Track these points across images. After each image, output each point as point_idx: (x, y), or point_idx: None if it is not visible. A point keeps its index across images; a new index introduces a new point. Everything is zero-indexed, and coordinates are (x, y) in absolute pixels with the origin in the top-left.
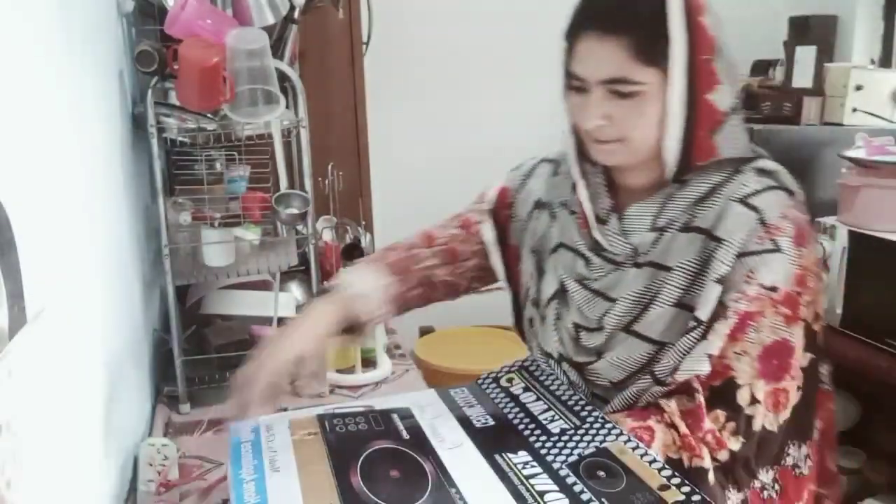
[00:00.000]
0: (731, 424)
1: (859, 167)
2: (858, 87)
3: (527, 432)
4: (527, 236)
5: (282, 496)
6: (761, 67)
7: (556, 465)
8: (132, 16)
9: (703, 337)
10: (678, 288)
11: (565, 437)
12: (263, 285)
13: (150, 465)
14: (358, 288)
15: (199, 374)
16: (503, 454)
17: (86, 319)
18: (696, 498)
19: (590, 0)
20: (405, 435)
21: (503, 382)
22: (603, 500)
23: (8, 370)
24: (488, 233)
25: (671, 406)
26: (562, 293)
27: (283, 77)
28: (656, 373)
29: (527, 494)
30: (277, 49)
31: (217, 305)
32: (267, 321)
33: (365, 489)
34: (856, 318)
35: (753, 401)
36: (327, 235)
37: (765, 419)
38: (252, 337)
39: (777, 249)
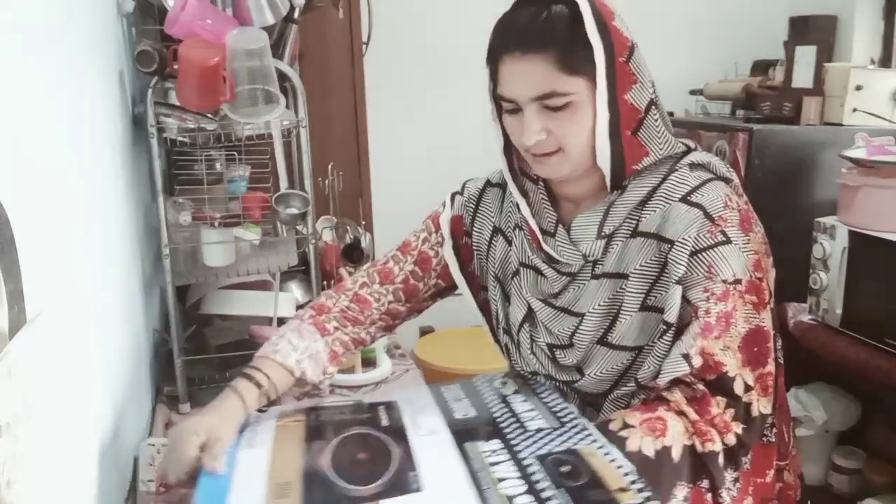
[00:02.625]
0: (731, 411)
1: (859, 167)
2: (858, 87)
3: (504, 426)
4: (489, 264)
5: (248, 468)
6: (761, 67)
7: (522, 455)
8: (132, 16)
9: (677, 338)
10: (640, 293)
11: (540, 434)
12: (263, 285)
13: (151, 465)
14: (294, 357)
15: (199, 374)
16: (475, 442)
17: (86, 319)
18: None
19: (507, 23)
20: (384, 423)
21: (496, 384)
22: (559, 491)
23: (8, 370)
24: (455, 269)
25: (676, 395)
26: (530, 315)
27: (283, 77)
28: (639, 379)
29: (485, 480)
30: (277, 49)
31: (217, 305)
32: (267, 321)
33: (330, 467)
34: (856, 318)
35: (747, 388)
36: (327, 235)
37: (759, 404)
38: (252, 337)
39: (728, 241)
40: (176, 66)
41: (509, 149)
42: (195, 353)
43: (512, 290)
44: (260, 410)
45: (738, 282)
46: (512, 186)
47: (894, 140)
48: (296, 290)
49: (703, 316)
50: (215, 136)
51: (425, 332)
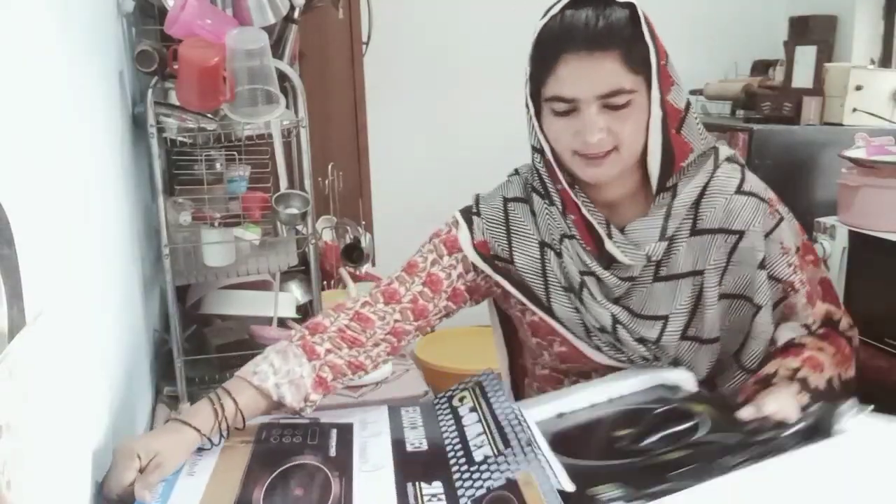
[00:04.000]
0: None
1: (859, 167)
2: (858, 87)
3: (452, 461)
4: (551, 277)
5: (179, 499)
6: (761, 67)
7: (462, 500)
8: (132, 16)
9: (782, 315)
10: (716, 285)
11: (483, 467)
12: (263, 285)
13: None
14: (269, 384)
15: (199, 374)
16: (417, 484)
17: (86, 320)
18: None
19: (566, 23)
20: (332, 452)
21: (455, 402)
22: None
23: (8, 371)
24: (493, 288)
25: (808, 340)
26: (615, 318)
27: (283, 77)
28: (745, 363)
29: None
30: (277, 49)
31: (217, 305)
32: (267, 321)
33: (260, 503)
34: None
35: (850, 325)
36: (327, 235)
37: (855, 335)
38: (252, 337)
39: (782, 217)
40: (176, 66)
41: (543, 156)
42: (195, 353)
43: (585, 300)
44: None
45: (798, 248)
46: (565, 186)
47: (894, 140)
48: (296, 290)
49: (801, 287)
50: (215, 136)
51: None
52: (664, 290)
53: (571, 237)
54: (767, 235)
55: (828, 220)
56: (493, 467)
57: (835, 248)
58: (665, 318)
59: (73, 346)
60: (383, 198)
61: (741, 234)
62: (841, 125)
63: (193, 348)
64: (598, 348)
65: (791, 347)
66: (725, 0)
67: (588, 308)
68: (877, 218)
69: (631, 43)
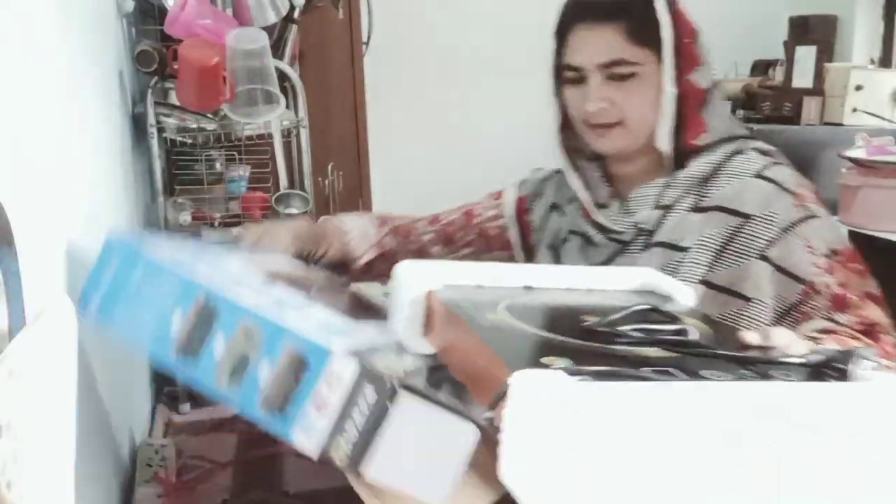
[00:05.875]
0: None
1: (859, 167)
2: (858, 87)
3: None
4: (544, 237)
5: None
6: (761, 67)
7: None
8: (132, 16)
9: (783, 318)
10: (700, 265)
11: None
12: None
13: (149, 465)
14: (351, 227)
15: None
16: None
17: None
18: None
19: None
20: None
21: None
22: None
23: (8, 371)
24: (514, 237)
25: (839, 328)
26: None
27: (283, 77)
28: None
29: None
30: (277, 49)
31: None
32: None
33: None
34: None
35: None
36: None
37: None
38: None
39: (814, 215)
40: (176, 66)
41: (564, 128)
42: None
43: (563, 257)
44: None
45: (836, 252)
46: (563, 161)
47: (894, 140)
48: None
49: (824, 289)
50: (215, 136)
51: None
52: (647, 260)
53: (575, 200)
54: (788, 229)
55: None
56: None
57: None
58: None
59: (73, 346)
60: (383, 198)
61: (747, 218)
62: (841, 125)
63: None
64: None
65: (827, 333)
66: (725, 0)
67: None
68: (877, 218)
69: (640, 16)
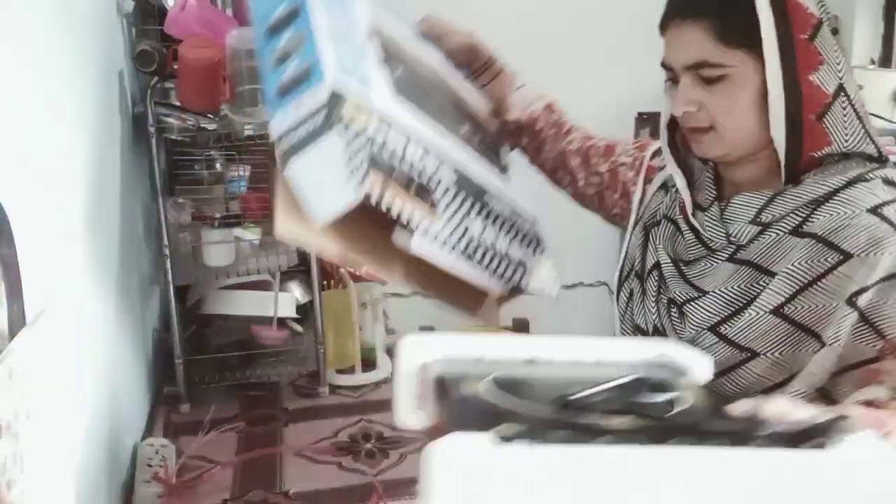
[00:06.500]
0: None
1: None
2: (858, 87)
3: None
4: (646, 213)
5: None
6: None
7: None
8: (132, 16)
9: (849, 369)
10: (780, 295)
11: None
12: (263, 285)
13: (149, 465)
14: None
15: (199, 374)
16: None
17: (86, 319)
18: None
19: None
20: None
21: None
22: None
23: (8, 370)
24: (635, 199)
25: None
26: (658, 267)
27: None
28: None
29: None
30: None
31: (217, 305)
32: (267, 321)
33: None
34: None
35: None
36: None
37: None
38: (252, 337)
39: None
40: (176, 66)
41: (675, 124)
42: (195, 353)
43: (652, 238)
44: None
45: None
46: (667, 157)
47: (894, 140)
48: (296, 290)
49: None
50: (215, 136)
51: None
52: (725, 271)
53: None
54: (889, 278)
55: None
56: None
57: None
58: (703, 294)
59: (73, 346)
60: None
61: (846, 257)
62: None
63: (193, 348)
64: (621, 293)
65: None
66: None
67: (651, 240)
68: None
69: (730, 12)
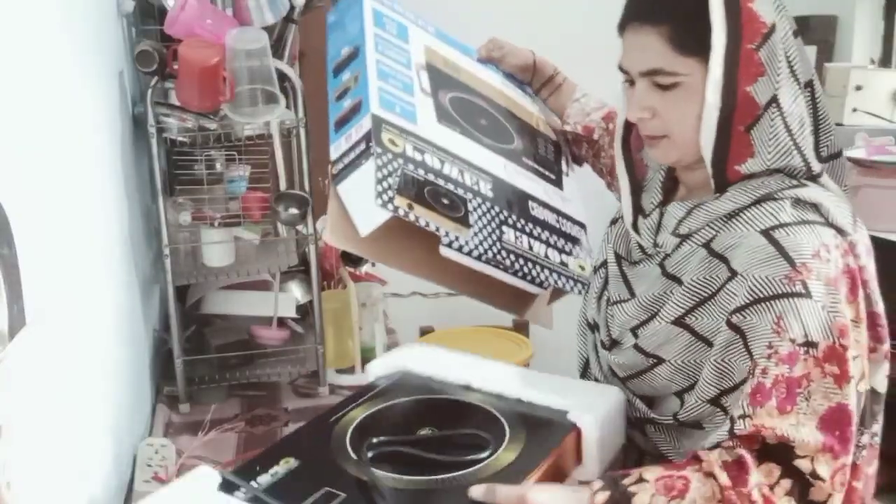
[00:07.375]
0: (787, 483)
1: (859, 167)
2: (858, 87)
3: None
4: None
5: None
6: None
7: None
8: (132, 16)
9: (728, 393)
10: (680, 306)
11: None
12: (263, 285)
13: (149, 465)
14: (581, 94)
15: (199, 374)
16: None
17: (85, 320)
18: None
19: None
20: None
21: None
22: None
23: (8, 370)
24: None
25: (711, 455)
26: (605, 265)
27: (283, 77)
28: (680, 417)
29: None
30: (277, 49)
31: (217, 305)
32: (267, 321)
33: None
34: None
35: (815, 474)
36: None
37: (832, 500)
38: (252, 337)
39: (806, 295)
40: (176, 66)
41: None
42: (195, 353)
43: (610, 232)
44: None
45: (811, 345)
46: (618, 158)
47: (894, 140)
48: (296, 290)
49: (759, 376)
50: (215, 136)
51: (425, 331)
52: (653, 278)
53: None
54: (762, 300)
55: None
56: None
57: None
58: (631, 297)
59: (73, 346)
60: None
61: (733, 275)
62: (841, 125)
63: (193, 348)
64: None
65: (688, 460)
66: None
67: (607, 237)
68: (877, 218)
69: (687, 20)
